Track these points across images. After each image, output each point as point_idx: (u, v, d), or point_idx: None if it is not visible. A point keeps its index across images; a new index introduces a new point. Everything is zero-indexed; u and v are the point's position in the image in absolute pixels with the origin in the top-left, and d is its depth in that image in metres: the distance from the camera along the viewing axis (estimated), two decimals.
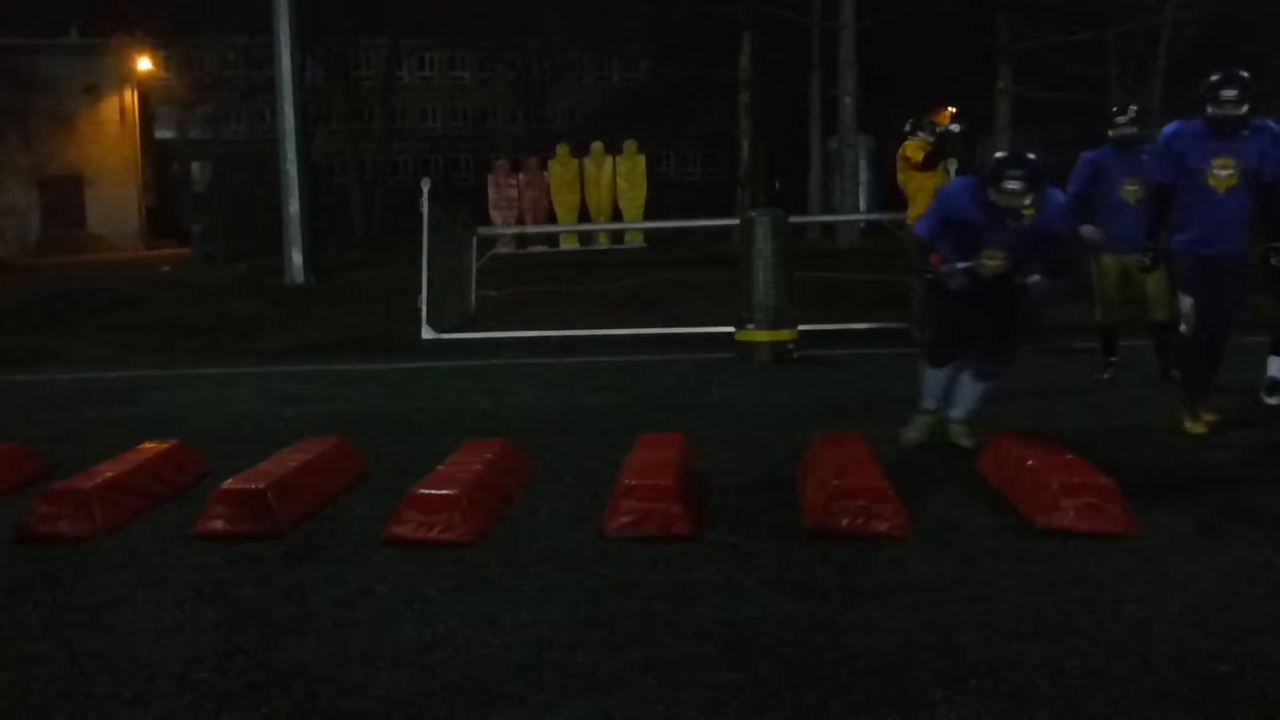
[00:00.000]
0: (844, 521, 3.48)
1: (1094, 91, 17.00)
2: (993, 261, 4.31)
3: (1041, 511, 3.50)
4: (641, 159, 17.49)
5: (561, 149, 17.59)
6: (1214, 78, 4.61)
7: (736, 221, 9.35)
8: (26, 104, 24.99)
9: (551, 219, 17.03)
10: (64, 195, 27.95)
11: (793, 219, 8.70)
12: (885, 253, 10.19)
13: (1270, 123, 4.66)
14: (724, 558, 3.33)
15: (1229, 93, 4.54)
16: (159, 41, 28.22)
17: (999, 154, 4.39)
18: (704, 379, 6.84)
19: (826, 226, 18.29)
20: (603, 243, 16.75)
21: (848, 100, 17.19)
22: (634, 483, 3.67)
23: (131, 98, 29.43)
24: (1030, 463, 3.78)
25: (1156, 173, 4.98)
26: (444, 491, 3.63)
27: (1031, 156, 4.27)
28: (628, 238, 16.85)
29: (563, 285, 11.32)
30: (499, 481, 4.01)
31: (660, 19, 22.66)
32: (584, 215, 17.04)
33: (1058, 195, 4.43)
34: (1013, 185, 4.16)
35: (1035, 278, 4.29)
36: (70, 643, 2.84)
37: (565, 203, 17.12)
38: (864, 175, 18.33)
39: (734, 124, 21.00)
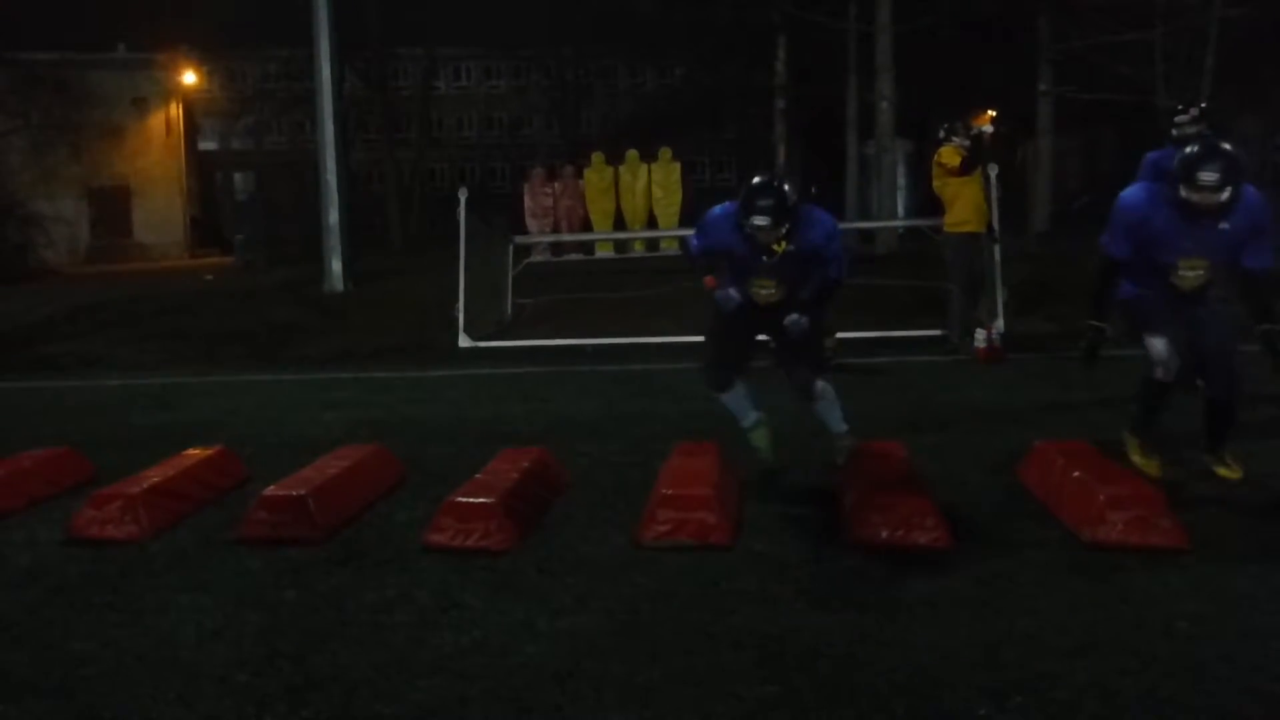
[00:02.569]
0: (884, 533, 3.43)
1: (1139, 92, 16.69)
2: (765, 290, 4.07)
3: (1088, 524, 3.42)
4: (677, 166, 17.49)
5: (596, 157, 17.66)
6: None
7: None
8: (76, 117, 25.65)
9: (587, 227, 17.08)
10: (112, 205, 28.64)
11: None
12: (924, 259, 10.08)
13: None
14: (761, 568, 3.30)
15: None
16: (203, 56, 28.86)
17: (753, 181, 3.93)
18: None
19: (864, 232, 18.15)
20: (638, 250, 16.77)
21: (885, 104, 17.04)
22: (670, 492, 3.65)
23: (176, 110, 30.10)
24: (1076, 474, 3.70)
25: None
26: (481, 500, 3.65)
27: (781, 185, 3.86)
28: (663, 245, 16.85)
29: (598, 293, 11.34)
30: (535, 490, 4.01)
31: (695, 25, 22.66)
32: (619, 223, 17.07)
33: (818, 214, 4.06)
34: (759, 221, 3.82)
35: (794, 316, 4.05)
36: (116, 643, 2.89)
37: (600, 210, 17.17)
38: (902, 180, 18.15)
39: (770, 130, 20.93)
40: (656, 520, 3.55)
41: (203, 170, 33.15)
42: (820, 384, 4.26)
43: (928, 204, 9.91)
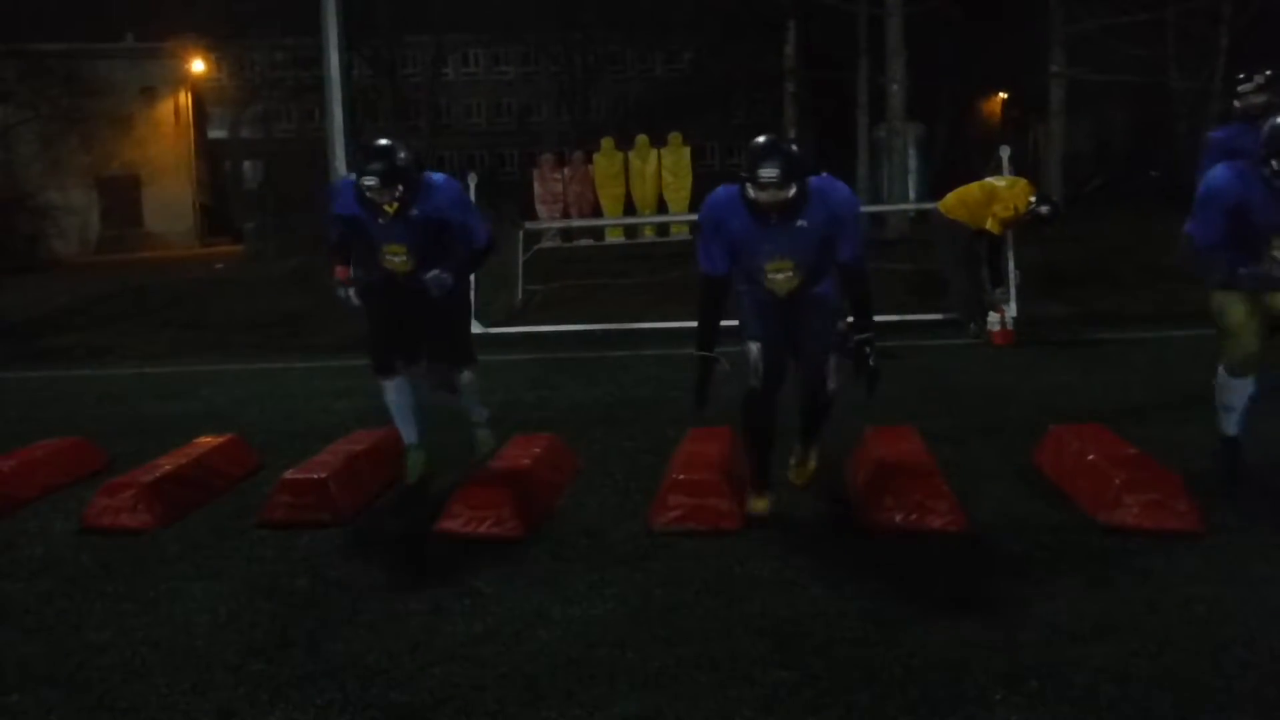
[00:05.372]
0: (898, 517, 3.41)
1: (1152, 73, 16.52)
2: (397, 258, 3.88)
3: (1104, 508, 3.39)
4: (686, 151, 17.40)
5: (606, 142, 17.58)
6: None
7: None
8: (85, 107, 25.71)
9: (597, 212, 17.03)
10: (122, 194, 28.75)
11: None
12: (934, 242, 10.01)
13: None
14: (774, 553, 3.29)
15: None
16: (211, 44, 28.83)
17: (366, 144, 3.88)
18: None
19: (875, 216, 18.03)
20: (649, 235, 16.73)
21: (896, 87, 16.89)
22: (682, 477, 3.64)
23: (185, 99, 30.14)
24: (1091, 457, 3.67)
25: None
26: (493, 487, 3.64)
27: (394, 148, 3.71)
28: (674, 230, 16.79)
29: (609, 279, 11.31)
30: (547, 476, 4.01)
31: (704, 9, 22.53)
32: (629, 208, 17.03)
33: (441, 182, 3.90)
34: (368, 182, 3.66)
35: (434, 272, 3.83)
36: (131, 632, 2.90)
37: (610, 196, 17.11)
38: (912, 163, 18.02)
39: (779, 114, 20.80)
40: (668, 506, 3.54)
41: (212, 159, 33.20)
42: (466, 374, 4.18)
43: (939, 187, 9.85)
